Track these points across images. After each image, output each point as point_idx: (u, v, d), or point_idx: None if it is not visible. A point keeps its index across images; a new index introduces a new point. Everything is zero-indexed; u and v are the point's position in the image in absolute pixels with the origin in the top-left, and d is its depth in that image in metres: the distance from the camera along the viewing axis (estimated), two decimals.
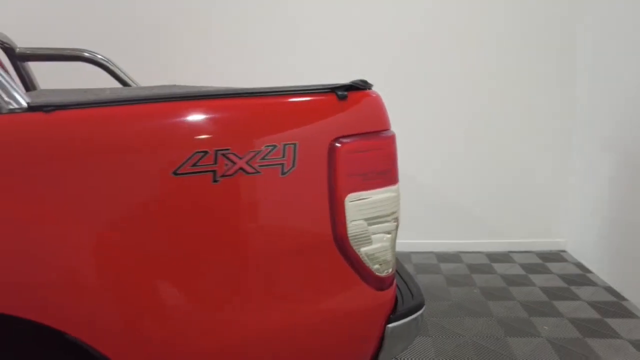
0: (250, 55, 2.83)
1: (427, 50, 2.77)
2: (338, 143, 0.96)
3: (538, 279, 2.53)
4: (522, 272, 2.64)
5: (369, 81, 1.03)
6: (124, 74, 1.92)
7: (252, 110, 0.93)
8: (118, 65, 1.90)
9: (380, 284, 1.06)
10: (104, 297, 0.83)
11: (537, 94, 2.79)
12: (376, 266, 1.04)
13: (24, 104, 0.81)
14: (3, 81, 0.83)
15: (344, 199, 0.97)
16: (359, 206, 0.99)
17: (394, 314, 1.09)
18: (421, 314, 1.14)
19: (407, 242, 2.96)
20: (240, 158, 0.86)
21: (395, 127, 1.14)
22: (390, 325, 1.08)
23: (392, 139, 1.03)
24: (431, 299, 2.30)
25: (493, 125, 2.85)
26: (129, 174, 0.82)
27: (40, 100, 0.86)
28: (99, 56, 1.87)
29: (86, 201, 0.80)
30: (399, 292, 1.19)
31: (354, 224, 0.99)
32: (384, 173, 1.01)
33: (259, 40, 2.80)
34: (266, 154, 0.90)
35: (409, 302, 1.13)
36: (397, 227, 1.07)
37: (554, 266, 2.72)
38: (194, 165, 0.84)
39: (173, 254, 0.87)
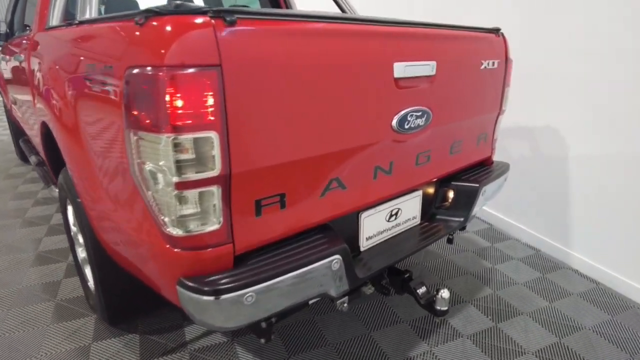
0: None
1: None
2: (129, 71, 0.88)
3: None
4: None
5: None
6: (346, 3, 2.40)
7: (102, 34, 1.10)
8: None
9: (168, 239, 0.93)
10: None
11: None
12: (164, 218, 0.91)
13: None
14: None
15: (127, 132, 0.90)
16: (141, 145, 0.88)
17: (192, 281, 0.93)
18: (230, 299, 0.92)
19: None
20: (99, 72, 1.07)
21: None
22: (178, 287, 0.95)
23: (170, 78, 0.80)
24: None
25: None
26: (76, 68, 1.22)
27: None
28: None
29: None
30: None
31: (137, 162, 0.90)
32: (163, 117, 0.82)
33: None
34: (103, 72, 1.02)
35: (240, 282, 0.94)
36: (205, 194, 0.90)
37: None
38: (89, 73, 1.14)
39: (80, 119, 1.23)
